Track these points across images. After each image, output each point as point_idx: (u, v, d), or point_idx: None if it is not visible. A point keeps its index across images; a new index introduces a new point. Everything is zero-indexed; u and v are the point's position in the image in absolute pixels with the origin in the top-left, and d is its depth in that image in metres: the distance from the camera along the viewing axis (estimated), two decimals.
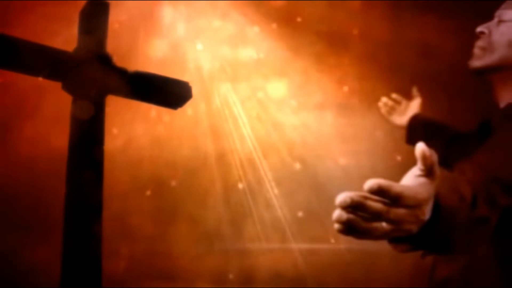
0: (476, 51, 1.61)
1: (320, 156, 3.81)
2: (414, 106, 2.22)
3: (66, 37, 2.61)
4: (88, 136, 2.42)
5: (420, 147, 0.92)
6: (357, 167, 3.56)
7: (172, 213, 3.75)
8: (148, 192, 3.73)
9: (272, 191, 3.86)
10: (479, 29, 1.62)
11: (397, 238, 0.96)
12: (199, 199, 3.81)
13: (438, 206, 0.97)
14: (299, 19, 3.75)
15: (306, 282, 3.71)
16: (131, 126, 3.51)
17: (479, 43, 1.61)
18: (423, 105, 2.25)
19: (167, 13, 3.60)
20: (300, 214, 3.81)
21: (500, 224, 1.13)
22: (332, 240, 3.74)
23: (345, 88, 3.77)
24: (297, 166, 3.85)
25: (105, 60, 2.54)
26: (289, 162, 3.86)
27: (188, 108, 2.89)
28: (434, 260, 1.48)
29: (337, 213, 0.88)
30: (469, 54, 1.65)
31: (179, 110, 2.83)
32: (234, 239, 3.84)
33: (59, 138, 2.56)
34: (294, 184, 3.82)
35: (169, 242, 3.66)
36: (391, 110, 2.27)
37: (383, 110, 2.29)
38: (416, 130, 2.11)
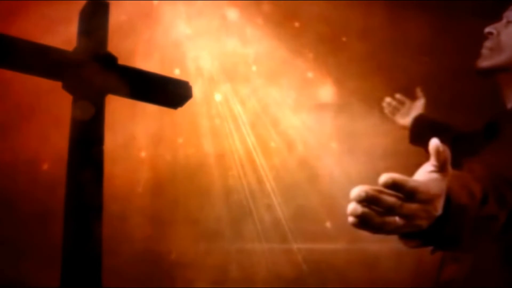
0: (484, 51, 1.60)
1: (320, 156, 3.80)
2: (417, 107, 2.22)
3: (66, 37, 2.60)
4: (88, 136, 2.41)
5: (434, 143, 0.92)
6: (357, 167, 3.56)
7: (172, 213, 3.74)
8: (148, 192, 3.72)
9: (272, 191, 3.86)
10: (487, 29, 1.61)
11: (407, 233, 0.96)
12: (199, 199, 3.80)
13: (448, 202, 0.97)
14: (299, 19, 3.75)
15: (306, 282, 3.71)
16: (131, 125, 3.50)
17: (487, 43, 1.61)
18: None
19: (167, 12, 3.60)
20: (300, 214, 3.81)
21: (508, 224, 1.13)
22: (332, 240, 3.74)
23: (345, 88, 3.77)
24: (297, 166, 3.85)
25: (105, 60, 2.54)
26: (289, 162, 3.86)
27: (188, 108, 2.89)
28: (442, 261, 1.48)
29: (352, 207, 0.88)
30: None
31: (179, 109, 2.82)
32: (234, 239, 3.84)
33: (59, 138, 2.55)
34: (294, 184, 3.82)
35: (169, 242, 3.66)
36: (395, 110, 2.27)
37: (387, 110, 2.30)
38: (419, 130, 2.12)
